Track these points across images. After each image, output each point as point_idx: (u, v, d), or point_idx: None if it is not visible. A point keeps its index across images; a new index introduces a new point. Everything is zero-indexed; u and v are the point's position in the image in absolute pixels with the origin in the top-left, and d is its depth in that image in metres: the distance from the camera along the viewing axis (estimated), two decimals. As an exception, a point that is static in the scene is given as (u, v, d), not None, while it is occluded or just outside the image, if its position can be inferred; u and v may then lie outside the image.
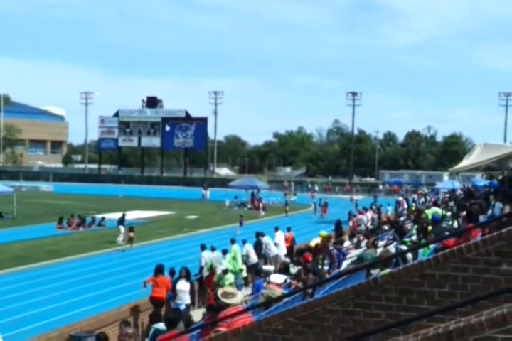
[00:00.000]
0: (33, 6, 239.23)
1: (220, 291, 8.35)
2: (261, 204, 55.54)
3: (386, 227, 26.41)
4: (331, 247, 18.66)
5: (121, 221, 36.68)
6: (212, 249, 21.99)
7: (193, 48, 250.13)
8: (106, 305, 19.65)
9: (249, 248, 24.00)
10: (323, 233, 22.06)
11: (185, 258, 28.04)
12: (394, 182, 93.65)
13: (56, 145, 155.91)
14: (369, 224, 33.39)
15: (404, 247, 11.79)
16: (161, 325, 13.17)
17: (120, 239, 34.71)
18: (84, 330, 15.29)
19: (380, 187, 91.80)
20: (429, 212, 19.37)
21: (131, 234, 34.04)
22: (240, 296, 8.10)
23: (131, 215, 49.31)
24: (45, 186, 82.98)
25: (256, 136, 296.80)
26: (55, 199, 64.03)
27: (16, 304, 20.28)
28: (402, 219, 28.82)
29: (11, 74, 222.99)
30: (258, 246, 24.77)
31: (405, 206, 44.81)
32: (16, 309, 19.63)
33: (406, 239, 13.31)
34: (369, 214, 36.12)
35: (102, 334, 12.37)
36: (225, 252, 22.38)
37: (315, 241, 19.40)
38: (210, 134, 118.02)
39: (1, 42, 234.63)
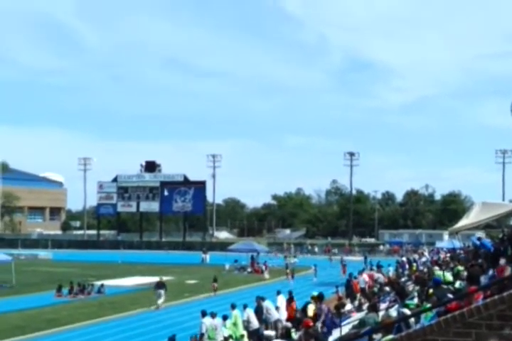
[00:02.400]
0: (29, 73, 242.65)
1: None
2: (264, 267, 55.26)
3: (387, 289, 26.22)
4: (323, 305, 18.55)
5: (160, 285, 36.82)
6: (213, 316, 21.69)
7: (189, 112, 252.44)
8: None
9: (250, 313, 23.70)
10: (314, 294, 22.12)
11: (188, 324, 27.72)
12: (394, 242, 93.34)
13: (55, 211, 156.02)
14: (366, 286, 33.06)
15: (406, 310, 11.71)
16: None
17: (161, 301, 35.44)
18: None
19: (381, 247, 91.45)
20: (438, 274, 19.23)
21: (216, 285, 41.19)
22: None
23: (131, 281, 49.04)
24: (43, 254, 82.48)
25: (255, 198, 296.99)
26: (54, 266, 63.57)
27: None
28: (403, 280, 28.63)
29: (9, 141, 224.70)
30: (259, 311, 24.47)
31: (407, 266, 44.53)
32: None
33: (408, 302, 13.21)
34: (365, 276, 35.75)
35: None
36: (225, 318, 22.12)
37: (312, 310, 19.26)
38: (209, 197, 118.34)
39: None
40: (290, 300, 26.75)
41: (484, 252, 19.17)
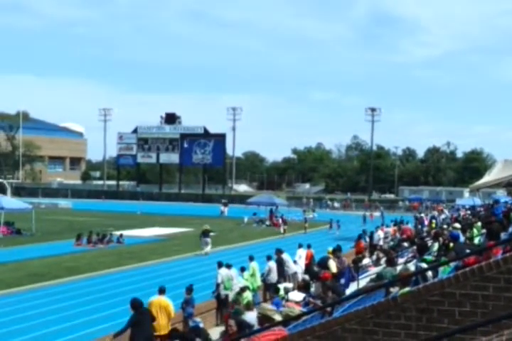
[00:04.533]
0: (52, 24, 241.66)
1: (262, 307, 8.25)
2: (280, 220, 55.52)
3: (406, 244, 26.19)
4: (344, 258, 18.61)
5: (207, 233, 38.29)
6: (228, 267, 21.79)
7: (211, 64, 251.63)
8: (122, 323, 19.55)
9: (272, 265, 23.78)
10: (330, 249, 22.43)
11: (204, 275, 27.96)
12: (414, 198, 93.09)
13: (75, 161, 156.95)
14: (381, 242, 33.03)
15: (424, 265, 11.63)
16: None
17: (208, 248, 37.48)
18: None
19: (400, 203, 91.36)
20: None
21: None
22: (279, 315, 7.99)
23: (149, 232, 49.48)
24: (63, 203, 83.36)
25: (275, 152, 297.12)
26: (74, 215, 64.25)
27: (34, 321, 20.23)
28: (422, 236, 28.56)
29: (30, 91, 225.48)
30: (279, 263, 24.53)
31: (426, 223, 44.48)
32: (34, 326, 19.58)
33: (426, 257, 13.12)
34: (380, 232, 35.70)
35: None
36: (243, 269, 22.24)
37: (334, 265, 19.26)
38: (229, 150, 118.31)
39: (21, 59, 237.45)
40: (308, 254, 26.88)
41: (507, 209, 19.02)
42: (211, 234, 39.45)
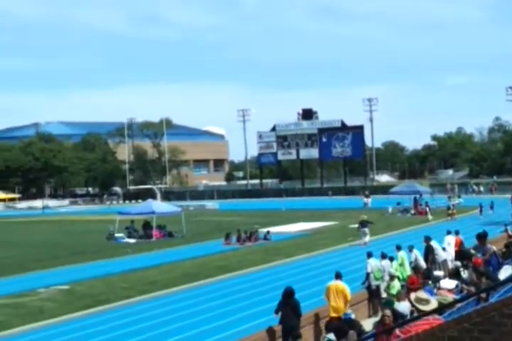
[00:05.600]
0: (185, 32, 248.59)
1: (413, 296, 8.15)
2: (427, 209, 54.53)
3: None
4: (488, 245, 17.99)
5: (364, 224, 38.98)
6: (383, 257, 21.71)
7: (342, 58, 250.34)
8: (275, 318, 19.81)
9: (417, 254, 23.44)
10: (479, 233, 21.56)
11: (352, 267, 27.85)
12: None
13: (218, 163, 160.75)
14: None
15: None
16: (333, 335, 13.13)
17: (367, 238, 37.94)
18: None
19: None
20: None
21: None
22: (435, 303, 7.85)
23: (295, 228, 49.87)
24: (210, 204, 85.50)
25: (414, 140, 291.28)
26: (221, 216, 65.77)
27: (189, 320, 20.82)
28: None
29: (171, 99, 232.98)
30: (428, 251, 24.03)
31: None
32: (189, 325, 20.15)
33: None
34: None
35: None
36: (391, 259, 22.00)
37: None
38: (368, 142, 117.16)
39: (160, 68, 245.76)
40: (457, 240, 26.21)
41: None
42: (369, 224, 39.60)
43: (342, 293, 16.96)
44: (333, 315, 16.61)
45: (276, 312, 16.05)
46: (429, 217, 52.06)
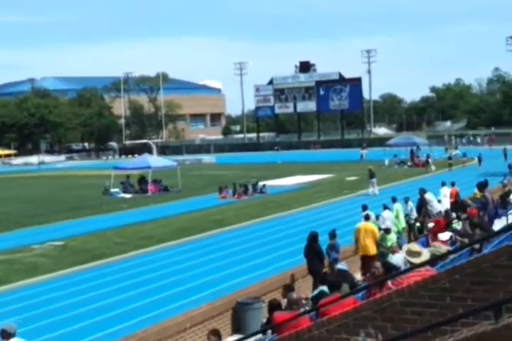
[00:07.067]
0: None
1: (404, 249, 8.01)
2: (430, 160, 54.74)
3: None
4: (487, 193, 17.88)
5: (372, 175, 39.56)
6: (384, 208, 21.96)
7: (339, 9, 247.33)
8: (271, 271, 19.77)
9: (411, 205, 23.40)
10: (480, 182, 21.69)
11: (349, 219, 27.79)
12: None
13: (215, 117, 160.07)
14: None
15: None
16: (326, 288, 12.99)
17: (375, 190, 38.70)
18: (250, 297, 15.45)
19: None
20: None
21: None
22: (427, 255, 7.69)
23: (291, 181, 49.76)
24: (207, 158, 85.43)
25: (412, 92, 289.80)
26: (217, 170, 65.70)
27: (184, 274, 20.78)
28: None
29: (167, 53, 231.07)
30: (421, 203, 23.97)
31: None
32: (184, 279, 20.11)
33: None
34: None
35: (275, 301, 12.32)
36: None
37: (478, 195, 18.55)
38: (365, 94, 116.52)
39: (154, 22, 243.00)
40: (453, 191, 26.10)
41: None
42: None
43: (371, 233, 18.22)
44: (363, 253, 18.04)
45: (305, 256, 17.03)
46: (432, 168, 52.18)
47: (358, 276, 15.59)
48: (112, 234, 29.51)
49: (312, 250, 16.69)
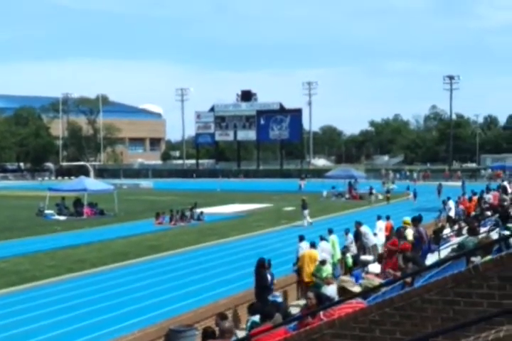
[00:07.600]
0: (131, 6, 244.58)
1: (341, 279, 8.12)
2: (373, 191, 56.03)
3: (489, 213, 25.47)
4: (421, 228, 18.27)
5: (305, 206, 39.49)
6: (321, 239, 21.97)
7: (284, 40, 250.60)
8: (205, 298, 19.67)
9: (351, 238, 23.63)
10: (407, 219, 21.81)
11: (285, 249, 27.90)
12: (497, 166, 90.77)
13: (155, 142, 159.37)
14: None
15: (507, 233, 11.19)
16: (257, 318, 12.99)
17: (304, 221, 38.77)
18: (183, 324, 15.32)
19: (483, 172, 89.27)
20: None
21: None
22: (357, 289, 7.83)
23: (230, 209, 49.74)
24: (145, 183, 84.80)
25: (352, 125, 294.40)
26: (155, 195, 65.22)
27: (117, 299, 20.52)
28: (505, 204, 27.71)
29: (108, 75, 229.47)
30: (357, 236, 24.25)
31: (510, 191, 43.15)
32: (117, 304, 19.87)
33: (510, 225, 12.63)
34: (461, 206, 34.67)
35: (209, 329, 12.23)
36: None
37: (411, 234, 18.85)
38: (305, 125, 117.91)
39: (97, 44, 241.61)
40: (388, 225, 26.46)
41: None
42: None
43: (316, 260, 18.74)
44: (307, 280, 18.55)
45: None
46: (374, 198, 53.74)
47: (295, 306, 15.62)
48: (44, 256, 28.94)
49: (257, 276, 17.00)
